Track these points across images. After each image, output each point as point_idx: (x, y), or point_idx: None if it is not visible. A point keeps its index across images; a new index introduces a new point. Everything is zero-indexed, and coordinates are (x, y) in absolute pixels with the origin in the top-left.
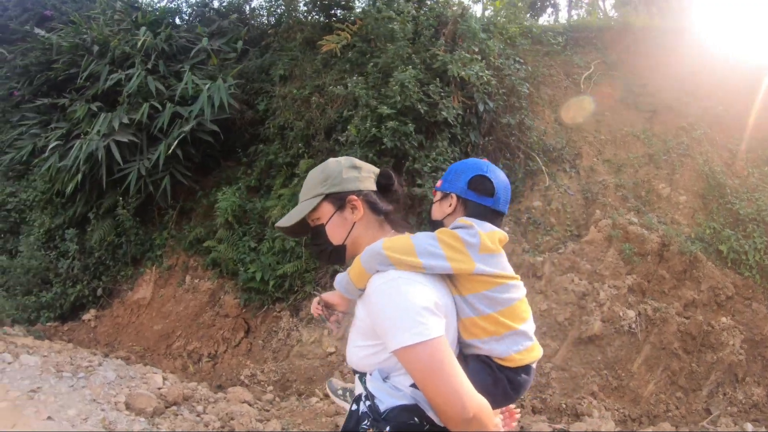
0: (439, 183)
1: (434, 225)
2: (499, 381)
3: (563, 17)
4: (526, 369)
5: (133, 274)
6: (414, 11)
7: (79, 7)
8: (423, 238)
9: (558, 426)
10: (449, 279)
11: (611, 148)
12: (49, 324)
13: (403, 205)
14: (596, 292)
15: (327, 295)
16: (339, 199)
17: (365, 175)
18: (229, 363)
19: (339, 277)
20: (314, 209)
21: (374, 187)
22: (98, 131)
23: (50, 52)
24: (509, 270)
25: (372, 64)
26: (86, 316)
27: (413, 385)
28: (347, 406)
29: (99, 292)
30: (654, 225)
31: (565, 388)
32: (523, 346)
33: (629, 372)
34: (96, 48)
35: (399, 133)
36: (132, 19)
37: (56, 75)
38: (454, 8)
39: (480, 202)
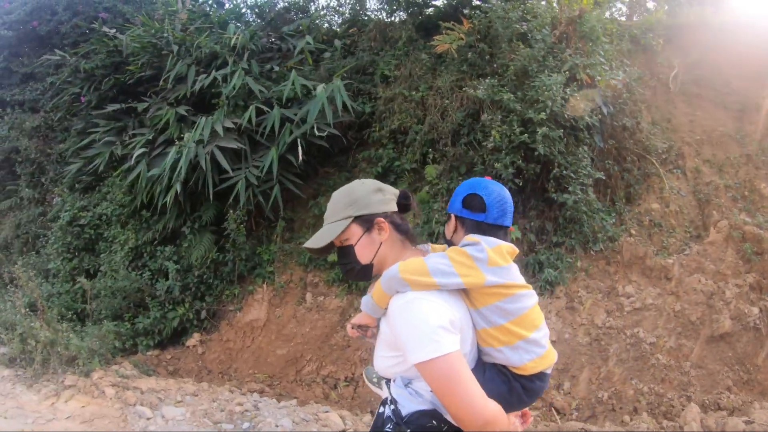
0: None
1: (449, 245)
2: (514, 388)
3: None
4: (539, 376)
5: (240, 293)
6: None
7: (137, 7)
8: (435, 258)
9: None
10: (464, 293)
11: (708, 148)
12: (149, 353)
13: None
14: (722, 291)
15: (357, 319)
16: (367, 221)
17: (389, 197)
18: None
19: (364, 300)
20: (343, 231)
21: (395, 208)
22: (197, 137)
23: (116, 54)
24: (519, 280)
25: (497, 65)
26: (190, 342)
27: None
28: (381, 392)
29: (203, 314)
30: (765, 224)
31: (704, 385)
32: (536, 354)
33: (756, 366)
34: (176, 47)
35: (549, 140)
36: (205, 16)
37: (126, 78)
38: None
39: (473, 219)
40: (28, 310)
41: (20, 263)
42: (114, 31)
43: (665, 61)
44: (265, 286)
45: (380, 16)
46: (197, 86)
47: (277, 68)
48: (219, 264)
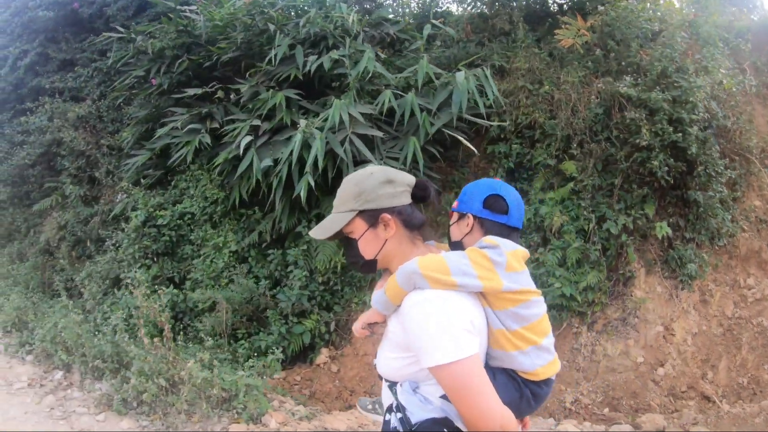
0: (455, 204)
1: (454, 245)
2: (524, 394)
3: None
4: (547, 382)
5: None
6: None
7: None
8: (456, 257)
9: None
10: (480, 294)
11: None
12: (276, 376)
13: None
14: None
15: (367, 317)
16: (372, 217)
17: (399, 189)
18: None
19: (375, 296)
20: (347, 224)
21: (408, 200)
22: (331, 123)
23: (186, 35)
24: (532, 285)
25: (625, 64)
26: (319, 359)
27: (443, 396)
28: (380, 418)
29: (332, 326)
30: None
31: None
32: (546, 360)
33: None
34: (272, 26)
35: (699, 140)
36: None
37: (201, 60)
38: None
39: (495, 220)
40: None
41: (84, 272)
42: (187, 8)
43: (742, 61)
44: None
45: (463, 7)
46: (311, 67)
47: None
48: (345, 268)
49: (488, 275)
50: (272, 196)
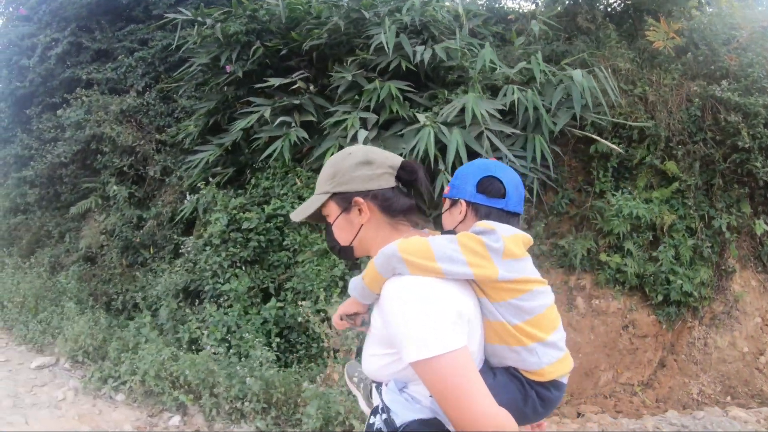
0: (447, 190)
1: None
2: (529, 397)
3: None
4: (557, 384)
5: None
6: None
7: None
8: (442, 241)
9: None
10: (474, 282)
11: None
12: None
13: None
14: None
15: (345, 307)
16: (344, 200)
17: (378, 171)
18: (668, 386)
19: (353, 282)
20: (322, 206)
21: (390, 184)
22: (467, 119)
23: (255, 21)
24: (535, 274)
25: (714, 68)
26: None
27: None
28: (359, 397)
29: None
30: None
31: None
32: (554, 357)
33: None
34: (366, 13)
35: None
36: None
37: (277, 47)
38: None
39: (491, 205)
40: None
41: (162, 285)
42: None
43: None
44: None
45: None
46: (422, 57)
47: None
48: None
49: (480, 262)
50: None
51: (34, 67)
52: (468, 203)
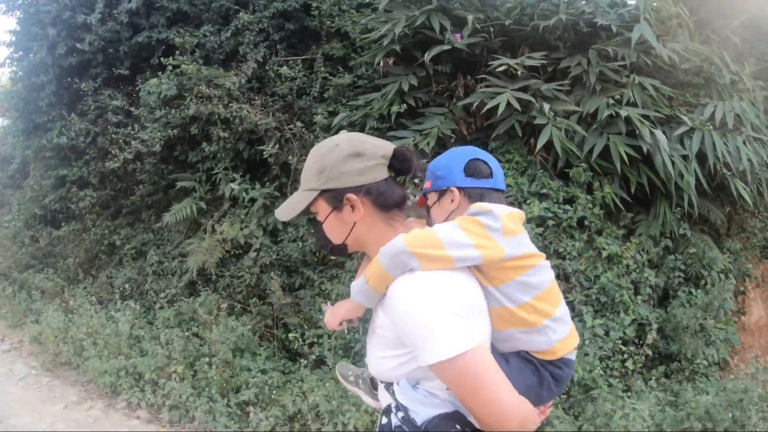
0: (427, 185)
1: None
2: (544, 378)
3: None
4: (566, 361)
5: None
6: None
7: None
8: (447, 227)
9: None
10: (476, 269)
11: None
12: None
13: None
14: None
15: (344, 312)
16: (335, 198)
17: (370, 163)
18: None
19: (355, 286)
20: (311, 203)
21: (383, 175)
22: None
23: None
24: (534, 248)
25: None
26: None
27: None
28: (362, 394)
29: None
30: None
31: None
32: (564, 333)
33: None
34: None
35: None
36: None
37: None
38: None
39: (482, 186)
40: None
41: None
42: None
43: None
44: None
45: None
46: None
47: None
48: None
49: (486, 243)
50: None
51: (96, 28)
52: (460, 189)
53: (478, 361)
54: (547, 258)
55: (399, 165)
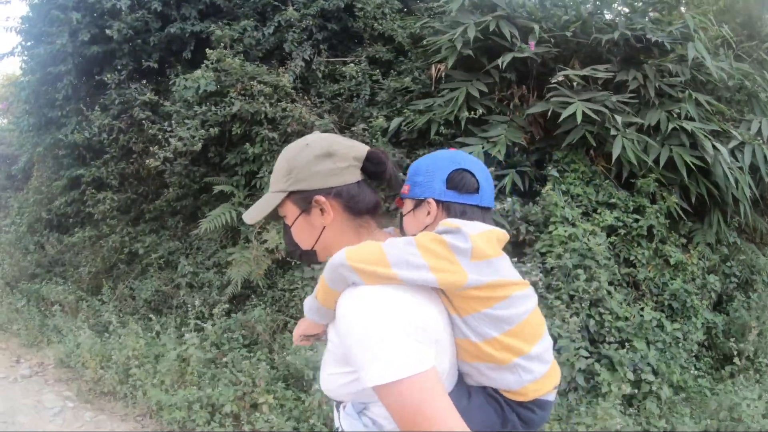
0: (405, 189)
1: None
2: (509, 421)
3: None
4: (541, 404)
5: None
6: None
7: None
8: (399, 244)
9: None
10: (442, 293)
11: None
12: None
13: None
14: None
15: (302, 329)
16: (304, 200)
17: (341, 165)
18: None
19: (307, 303)
20: (278, 205)
21: (356, 177)
22: None
23: None
24: (513, 275)
25: None
26: None
27: None
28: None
29: None
30: None
31: None
32: (538, 373)
33: None
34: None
35: None
36: None
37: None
38: None
39: (465, 202)
40: None
41: None
42: None
43: None
44: None
45: None
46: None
47: None
48: None
49: (444, 266)
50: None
51: (125, 17)
52: (438, 202)
53: (422, 389)
54: (616, 265)
55: (373, 168)
